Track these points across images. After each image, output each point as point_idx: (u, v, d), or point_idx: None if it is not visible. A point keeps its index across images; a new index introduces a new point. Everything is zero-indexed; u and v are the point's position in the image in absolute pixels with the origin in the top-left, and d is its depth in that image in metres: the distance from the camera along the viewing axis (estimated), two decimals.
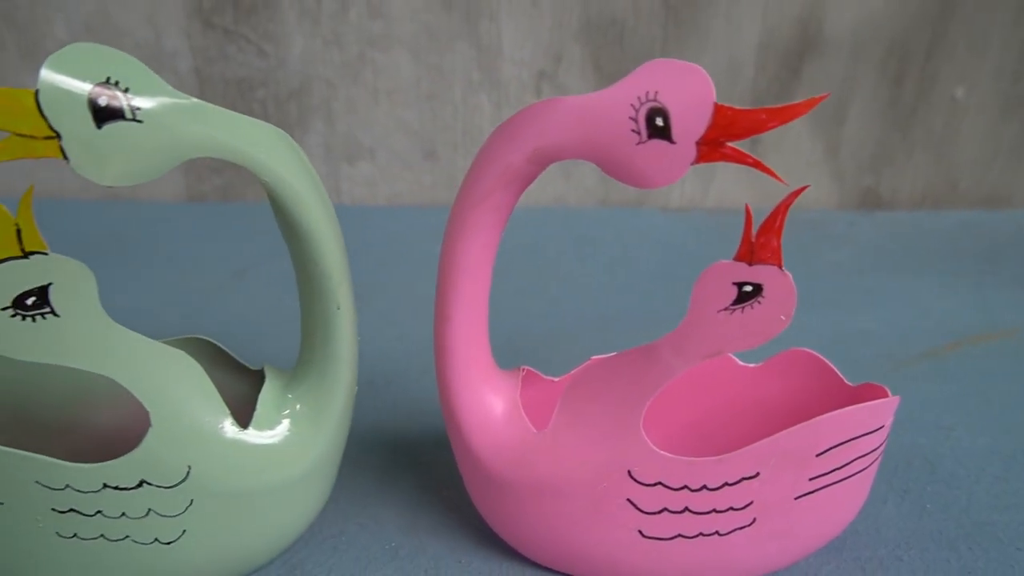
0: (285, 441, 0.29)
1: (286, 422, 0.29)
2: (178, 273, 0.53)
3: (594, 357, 0.35)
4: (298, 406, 0.29)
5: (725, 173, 0.64)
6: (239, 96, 0.59)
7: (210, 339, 0.32)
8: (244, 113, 0.59)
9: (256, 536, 0.29)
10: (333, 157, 0.60)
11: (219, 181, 0.61)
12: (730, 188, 0.64)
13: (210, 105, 0.24)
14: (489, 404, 0.30)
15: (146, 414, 0.34)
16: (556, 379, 0.34)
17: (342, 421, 0.30)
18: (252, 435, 0.28)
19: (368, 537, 0.33)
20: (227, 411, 0.28)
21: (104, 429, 0.34)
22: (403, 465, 0.37)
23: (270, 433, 0.29)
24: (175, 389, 0.27)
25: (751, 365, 0.35)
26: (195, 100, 0.24)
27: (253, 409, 0.29)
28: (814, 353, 0.34)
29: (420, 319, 0.50)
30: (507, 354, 0.46)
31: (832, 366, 0.33)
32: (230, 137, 0.24)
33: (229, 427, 0.28)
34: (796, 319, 0.43)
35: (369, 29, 0.58)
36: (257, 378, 0.32)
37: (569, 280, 0.54)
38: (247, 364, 0.32)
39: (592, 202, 0.64)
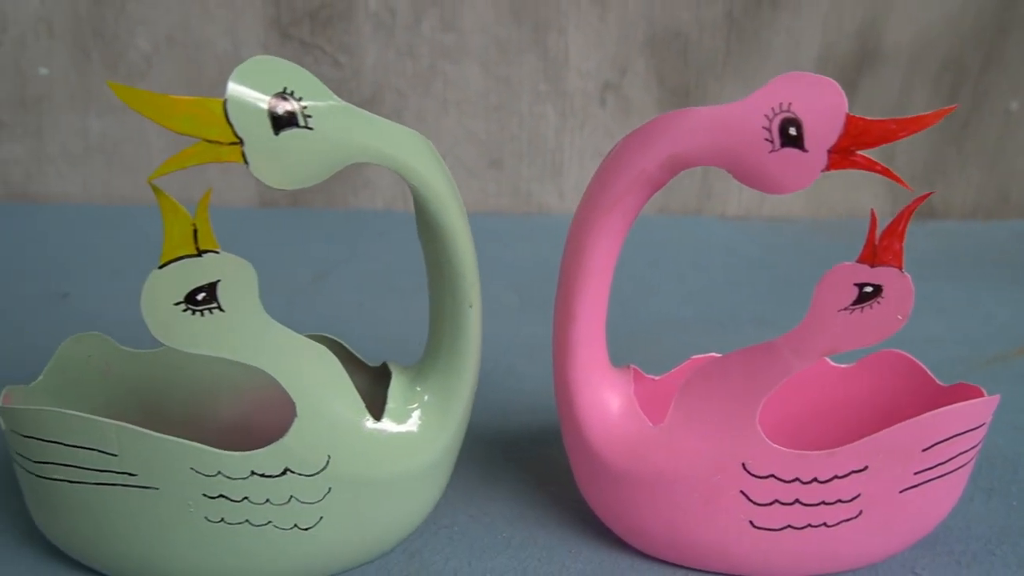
0: (415, 432, 0.30)
1: (416, 414, 0.30)
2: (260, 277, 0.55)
3: (694, 356, 0.36)
4: (426, 397, 0.31)
5: None
6: None
7: (334, 337, 0.34)
8: None
9: (385, 523, 0.31)
10: None
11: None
12: (786, 198, 0.66)
13: (367, 113, 0.26)
14: (607, 400, 0.31)
15: (264, 410, 0.36)
16: (657, 377, 0.36)
17: (465, 414, 0.31)
18: (386, 426, 0.30)
19: (479, 528, 0.34)
20: (362, 404, 0.29)
21: (222, 424, 0.36)
22: (501, 461, 0.38)
23: (402, 424, 0.30)
24: (318, 383, 0.28)
25: (842, 365, 0.36)
26: (356, 108, 0.25)
27: (375, 403, 0.30)
28: (906, 354, 0.35)
29: (495, 320, 0.51)
30: None
31: (924, 367, 0.35)
32: (385, 144, 0.26)
33: (365, 419, 0.29)
34: None
35: (441, 41, 0.59)
36: (376, 374, 0.33)
37: (641, 284, 0.56)
38: (367, 361, 0.34)
39: (652, 210, 0.65)
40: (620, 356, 0.46)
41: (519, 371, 0.46)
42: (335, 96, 0.25)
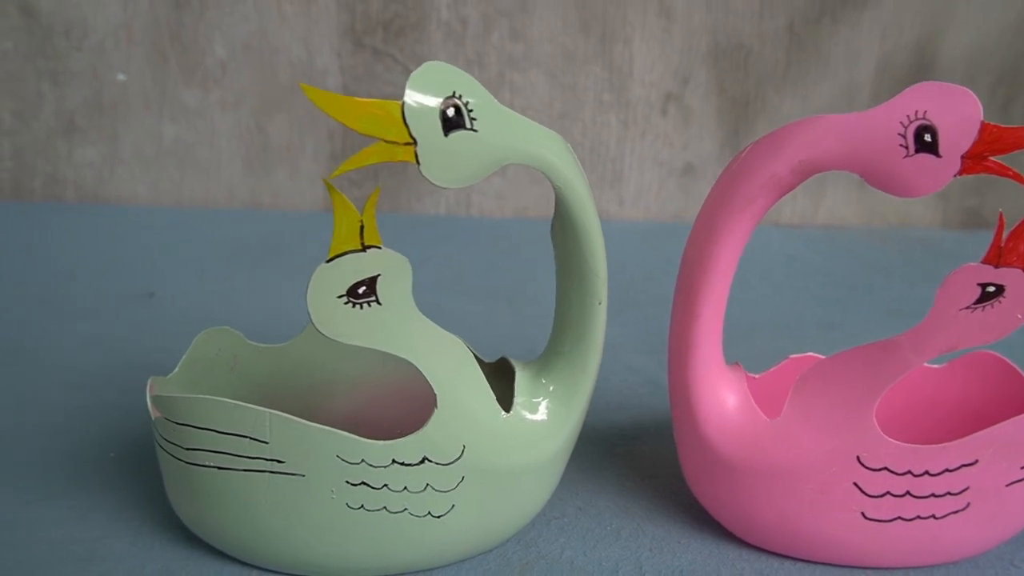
0: (542, 422, 0.31)
1: (543, 405, 0.32)
2: None
3: (792, 356, 0.38)
4: (551, 388, 0.32)
5: (835, 191, 0.67)
6: None
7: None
8: None
9: (509, 512, 0.32)
10: None
11: (357, 193, 0.64)
12: (839, 206, 0.67)
13: (519, 116, 0.27)
14: (723, 396, 0.32)
15: (376, 404, 0.37)
16: (756, 376, 0.37)
17: (585, 406, 0.32)
18: (515, 418, 0.31)
19: (589, 520, 0.35)
20: (493, 396, 0.30)
21: (337, 417, 0.37)
22: (601, 455, 0.39)
23: (530, 416, 0.31)
24: (457, 375, 0.29)
25: (934, 366, 0.37)
26: (512, 112, 0.27)
27: (498, 397, 0.32)
28: (999, 356, 0.36)
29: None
30: (661, 360, 0.49)
31: (1018, 368, 0.36)
32: (538, 146, 0.27)
33: (497, 410, 0.30)
34: None
35: (510, 51, 0.61)
36: (493, 369, 0.35)
37: None
38: (483, 357, 0.35)
39: None
40: None
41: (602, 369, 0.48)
42: (496, 100, 0.26)
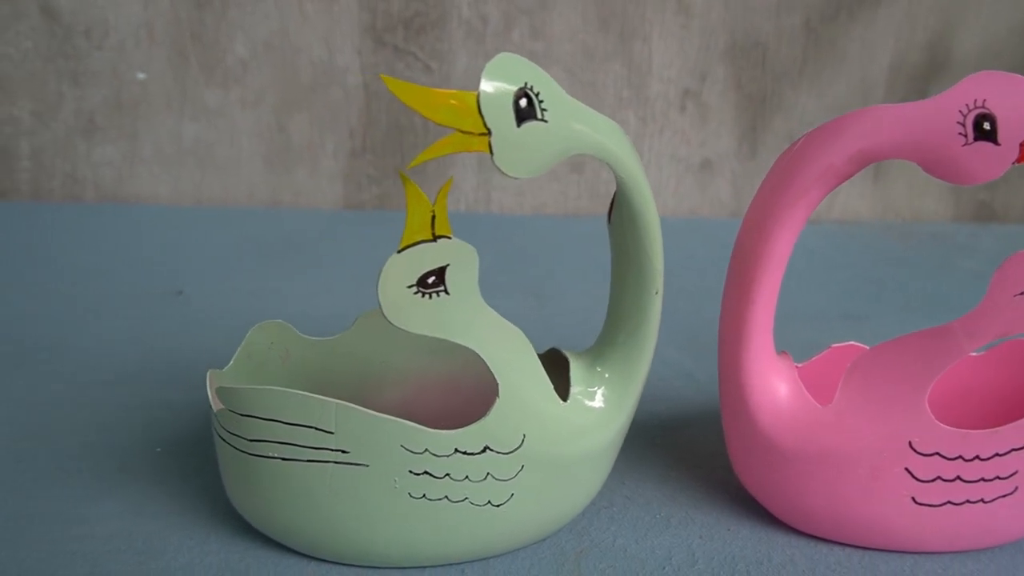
0: (598, 411, 0.32)
1: (599, 394, 0.32)
2: (361, 278, 0.56)
3: (834, 345, 0.38)
4: (607, 375, 0.32)
5: (849, 186, 0.68)
6: (402, 110, 0.63)
7: None
8: (405, 126, 0.63)
9: (565, 500, 0.32)
10: (485, 168, 0.64)
11: (377, 190, 0.65)
12: (853, 200, 0.68)
13: (585, 106, 0.27)
14: (775, 384, 0.33)
15: (423, 394, 0.37)
16: (799, 364, 0.37)
17: (639, 394, 0.33)
18: (573, 406, 0.31)
19: (638, 509, 0.36)
20: (551, 385, 0.31)
21: (385, 407, 0.37)
22: (644, 446, 0.40)
23: (587, 405, 0.32)
24: (518, 365, 0.30)
25: (973, 354, 0.38)
26: (579, 104, 0.27)
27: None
28: None
29: (586, 318, 0.53)
30: (692, 353, 0.50)
31: None
32: (604, 136, 0.28)
33: (555, 399, 0.31)
34: (950, 318, 0.47)
35: (530, 48, 0.61)
36: (542, 361, 0.35)
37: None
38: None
39: (725, 214, 0.67)
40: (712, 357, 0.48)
41: None
42: (566, 94, 0.26)
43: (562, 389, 0.32)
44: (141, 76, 0.61)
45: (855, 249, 0.65)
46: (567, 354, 0.33)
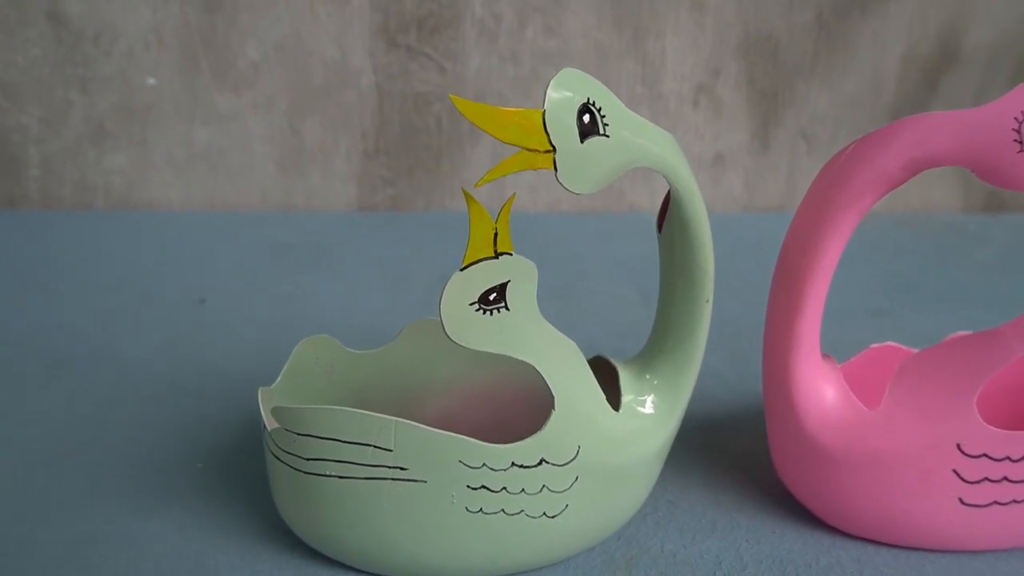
0: (649, 418, 0.32)
1: (649, 401, 0.32)
2: (383, 279, 0.56)
3: (872, 346, 0.38)
4: (655, 382, 0.32)
5: None
6: (415, 110, 0.62)
7: None
8: (419, 126, 0.62)
9: (616, 508, 0.32)
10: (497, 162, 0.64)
11: (391, 191, 0.64)
12: None
13: (643, 119, 0.27)
14: (823, 388, 0.33)
15: (467, 405, 0.37)
16: (839, 365, 0.38)
17: (687, 400, 0.33)
18: (625, 415, 0.31)
19: (683, 513, 0.36)
20: (604, 396, 0.31)
21: (428, 418, 0.37)
22: (683, 450, 0.40)
23: (638, 412, 0.32)
24: (573, 376, 0.30)
25: None
26: (637, 116, 0.27)
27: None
28: None
29: (622, 313, 0.53)
30: (719, 352, 0.50)
31: None
32: (660, 148, 0.28)
33: (608, 410, 0.31)
34: (972, 313, 0.47)
35: (544, 46, 0.61)
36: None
37: (751, 281, 0.58)
38: None
39: (736, 208, 0.68)
40: (726, 353, 0.48)
41: None
42: (623, 106, 0.26)
43: (609, 397, 0.32)
44: (151, 82, 0.60)
45: (871, 242, 0.65)
46: (614, 362, 0.34)
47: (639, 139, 0.27)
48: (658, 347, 0.33)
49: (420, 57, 0.61)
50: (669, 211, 0.30)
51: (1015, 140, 0.27)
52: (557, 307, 0.54)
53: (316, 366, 0.34)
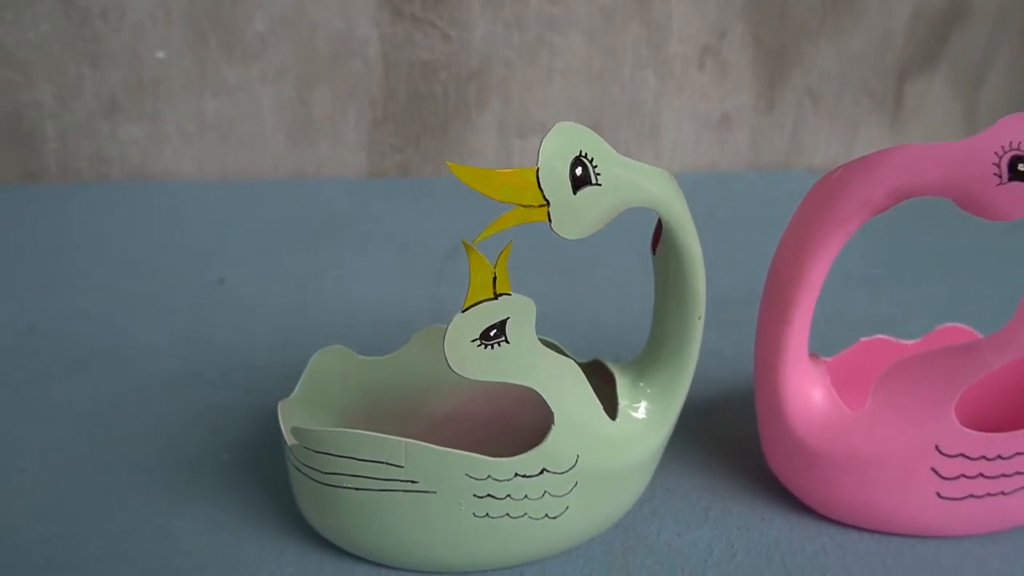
0: (643, 425, 0.34)
1: (643, 409, 0.34)
2: (398, 248, 0.58)
3: (862, 339, 0.40)
4: (649, 391, 0.34)
5: (867, 131, 0.68)
6: (422, 78, 0.63)
7: (550, 339, 0.37)
8: (425, 94, 0.63)
9: (614, 505, 0.34)
10: (506, 133, 0.64)
11: (400, 158, 0.65)
12: (871, 148, 0.68)
13: (634, 162, 0.28)
14: (809, 392, 0.35)
15: (470, 401, 0.40)
16: (828, 359, 0.39)
17: (681, 405, 0.35)
18: (621, 424, 0.33)
19: (678, 501, 0.38)
20: (601, 407, 0.33)
21: (435, 415, 0.39)
22: (679, 434, 0.42)
23: (633, 420, 0.34)
24: (570, 393, 0.32)
25: None
26: (628, 160, 0.28)
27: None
28: None
29: (626, 284, 0.54)
30: (718, 327, 0.51)
31: None
32: (652, 189, 0.29)
33: (604, 419, 0.33)
34: (969, 283, 0.47)
35: (549, 13, 0.61)
36: (585, 370, 0.37)
37: (751, 245, 0.59)
38: (576, 358, 0.37)
39: (742, 166, 0.68)
40: (727, 318, 0.49)
41: None
42: (615, 152, 0.27)
43: (606, 400, 0.34)
44: (160, 56, 0.61)
45: None
46: (611, 367, 0.35)
47: (631, 184, 0.28)
48: (653, 357, 0.34)
49: (425, 26, 0.61)
50: (662, 237, 0.31)
51: (995, 173, 0.28)
52: (567, 281, 0.55)
53: (331, 374, 0.36)
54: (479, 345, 0.28)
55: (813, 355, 0.38)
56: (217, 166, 0.64)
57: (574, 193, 0.27)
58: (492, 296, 0.28)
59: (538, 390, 0.30)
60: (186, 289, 0.54)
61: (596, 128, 0.65)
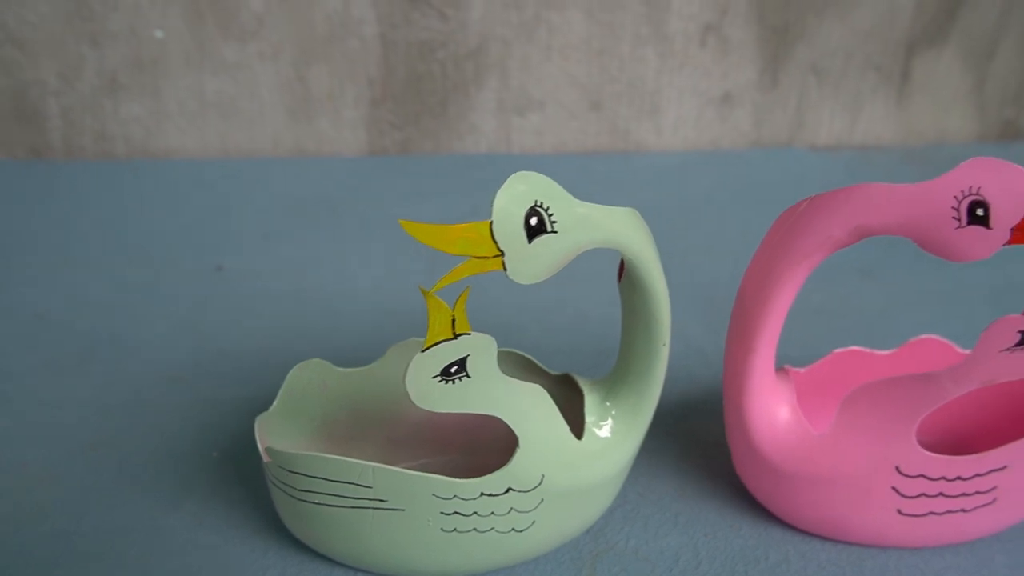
0: (609, 444, 0.35)
1: (608, 428, 0.35)
2: (389, 226, 0.58)
3: (836, 351, 0.40)
4: (614, 411, 0.35)
5: (872, 109, 0.67)
6: (420, 57, 0.62)
7: (521, 352, 0.38)
8: (423, 73, 0.63)
9: (583, 518, 0.36)
10: (505, 110, 0.64)
11: (399, 136, 0.65)
12: (876, 125, 0.67)
13: (594, 206, 0.29)
14: (774, 413, 0.35)
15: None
16: (801, 370, 0.40)
17: (648, 422, 0.36)
18: (586, 443, 0.34)
19: (649, 506, 0.39)
20: (567, 428, 0.34)
21: (412, 422, 0.40)
22: (655, 435, 0.43)
23: (599, 439, 0.35)
24: (535, 418, 0.32)
25: None
26: (586, 204, 0.28)
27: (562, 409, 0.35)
28: None
29: (609, 264, 0.55)
30: (704, 321, 0.51)
31: None
32: (610, 231, 0.29)
33: (570, 439, 0.34)
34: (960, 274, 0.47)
35: None
36: (557, 381, 0.38)
37: (748, 224, 0.59)
38: (548, 369, 0.38)
39: (745, 143, 0.67)
40: (721, 302, 0.50)
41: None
42: (572, 198, 0.28)
43: (576, 415, 0.35)
44: (159, 34, 0.61)
45: (875, 179, 0.65)
46: (581, 383, 0.36)
47: (588, 228, 0.28)
48: (620, 378, 0.35)
49: (421, 5, 0.60)
50: (625, 273, 0.32)
51: (953, 217, 0.28)
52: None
53: (310, 387, 0.38)
54: (440, 381, 0.29)
55: (783, 369, 0.38)
56: (219, 144, 0.65)
57: (529, 242, 0.27)
58: (452, 336, 0.28)
59: (502, 417, 0.31)
60: (184, 275, 0.55)
61: (596, 107, 0.65)
